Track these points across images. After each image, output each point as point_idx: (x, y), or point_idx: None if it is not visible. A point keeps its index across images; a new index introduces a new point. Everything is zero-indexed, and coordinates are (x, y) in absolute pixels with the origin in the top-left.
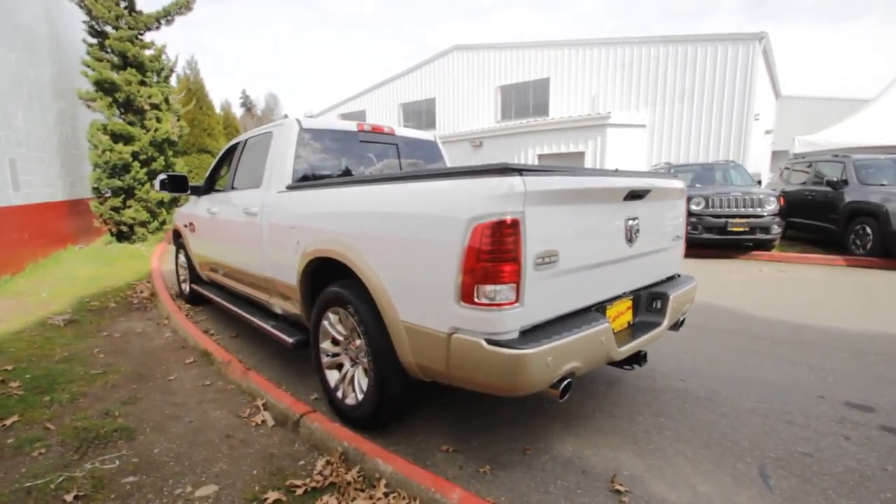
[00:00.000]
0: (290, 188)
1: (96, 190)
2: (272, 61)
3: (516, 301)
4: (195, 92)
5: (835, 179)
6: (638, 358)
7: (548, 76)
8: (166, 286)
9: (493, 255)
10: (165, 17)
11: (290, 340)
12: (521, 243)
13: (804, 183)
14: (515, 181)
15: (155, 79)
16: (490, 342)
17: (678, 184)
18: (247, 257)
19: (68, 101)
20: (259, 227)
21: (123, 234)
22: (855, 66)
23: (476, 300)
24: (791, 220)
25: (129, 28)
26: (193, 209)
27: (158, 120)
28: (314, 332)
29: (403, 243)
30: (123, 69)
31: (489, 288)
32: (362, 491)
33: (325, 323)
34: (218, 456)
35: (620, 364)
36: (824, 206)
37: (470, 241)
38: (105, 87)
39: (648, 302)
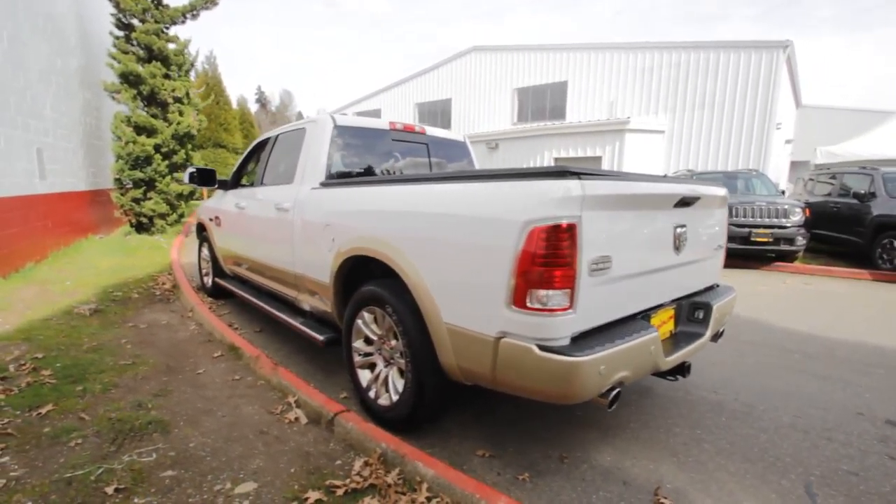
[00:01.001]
0: (324, 185)
1: (118, 181)
2: (287, 58)
3: (570, 307)
4: (213, 87)
5: (862, 192)
6: (682, 369)
7: (566, 79)
8: (188, 279)
9: (549, 259)
10: (191, 11)
11: (321, 338)
12: (577, 248)
13: (829, 194)
14: (573, 185)
15: (177, 73)
16: (542, 348)
17: (722, 192)
18: (276, 253)
19: (93, 92)
20: (290, 224)
21: (143, 226)
22: (878, 77)
23: (528, 305)
24: (814, 232)
25: (156, 21)
26: (219, 203)
27: (181, 113)
28: (347, 331)
29: (451, 244)
30: (148, 62)
31: (543, 293)
32: (403, 494)
33: (359, 322)
34: (254, 452)
35: (664, 374)
36: (850, 219)
37: (525, 245)
38: (130, 80)
39: (690, 311)
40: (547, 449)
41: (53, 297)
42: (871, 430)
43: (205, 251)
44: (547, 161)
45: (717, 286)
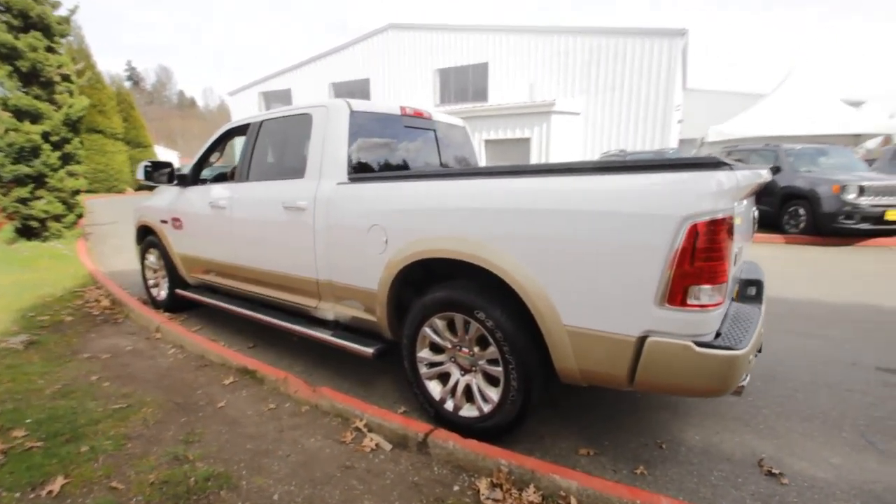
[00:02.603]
0: (355, 180)
1: None
2: (160, 32)
3: (722, 301)
4: (85, 62)
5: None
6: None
7: (487, 61)
8: (127, 291)
9: (709, 254)
10: None
11: (370, 350)
12: (731, 241)
13: None
14: (728, 176)
15: (62, 46)
16: (699, 344)
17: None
18: (286, 259)
19: None
20: (309, 225)
21: (32, 231)
22: (751, 59)
23: (687, 302)
24: None
25: None
26: (177, 202)
27: (71, 94)
28: (410, 341)
29: (578, 243)
30: (25, 32)
31: (702, 289)
32: None
33: (428, 330)
34: (356, 493)
35: None
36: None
37: (684, 241)
38: (2, 54)
39: (743, 289)
40: (638, 437)
41: None
42: (872, 378)
43: (151, 259)
44: (478, 143)
45: (750, 262)
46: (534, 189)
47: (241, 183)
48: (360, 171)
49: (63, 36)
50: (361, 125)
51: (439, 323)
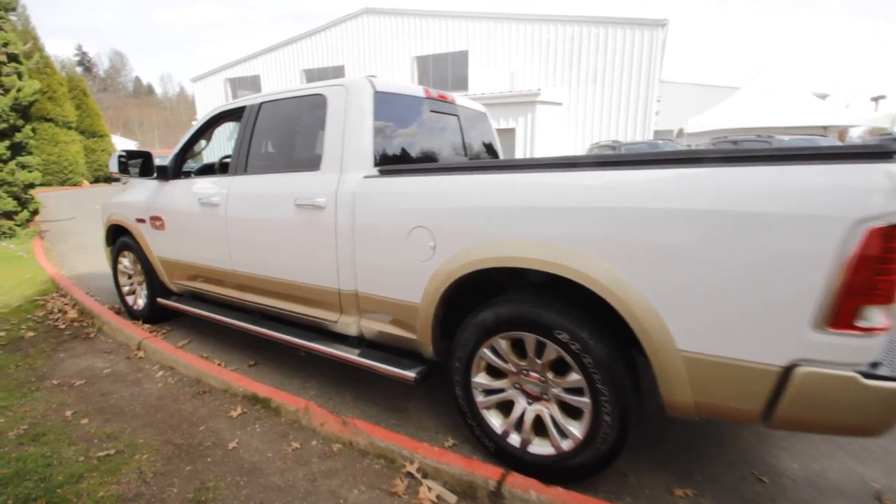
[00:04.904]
0: (392, 172)
1: None
2: (111, 13)
3: (891, 324)
4: (31, 44)
5: None
6: None
7: (467, 49)
8: (96, 299)
9: (887, 266)
10: None
11: (412, 375)
12: None
13: None
14: None
15: (5, 21)
16: (866, 375)
17: None
18: (296, 264)
19: None
20: (329, 226)
21: None
22: (721, 53)
23: (854, 323)
24: None
25: None
26: (157, 198)
27: (20, 76)
28: (464, 364)
29: (708, 252)
30: None
31: (873, 308)
32: None
33: (487, 352)
34: None
35: None
36: None
37: (861, 249)
38: None
39: None
40: (732, 470)
41: None
42: None
43: (126, 263)
44: None
45: None
46: (645, 184)
47: (238, 177)
48: (386, 162)
49: (8, 10)
50: (386, 108)
51: (503, 343)
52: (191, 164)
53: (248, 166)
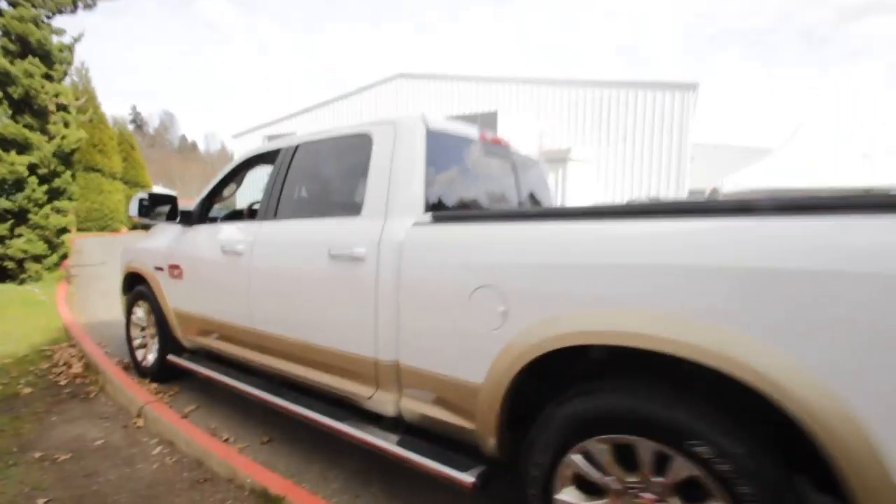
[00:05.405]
0: (449, 218)
1: None
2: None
3: None
4: (89, 101)
5: None
6: None
7: (496, 109)
8: (103, 351)
9: None
10: None
11: (470, 480)
12: None
13: None
14: None
15: (61, 75)
16: None
17: None
18: (327, 326)
19: None
20: (369, 281)
21: (8, 272)
22: (752, 114)
23: None
24: None
25: (34, 6)
26: (178, 244)
27: (66, 125)
28: (545, 473)
29: None
30: (23, 58)
31: None
32: None
33: (578, 459)
34: None
35: None
36: None
37: None
38: None
39: None
40: None
41: None
42: None
43: (140, 314)
44: None
45: None
46: (843, 234)
47: (266, 222)
48: (438, 208)
49: (64, 64)
50: (438, 149)
51: (602, 449)
52: (219, 211)
53: (277, 211)
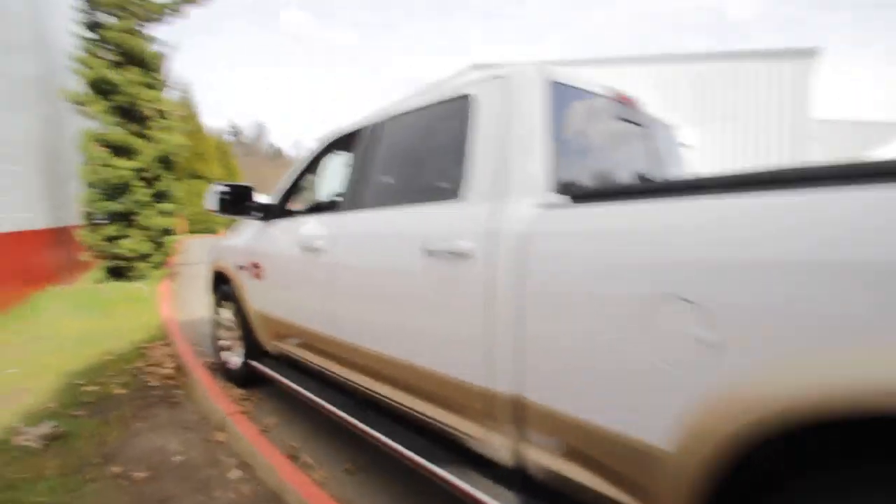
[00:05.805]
0: (601, 196)
1: (88, 215)
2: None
3: None
4: (189, 113)
5: None
6: None
7: None
8: (195, 351)
9: None
10: (173, 5)
11: None
12: None
13: None
14: None
15: (159, 82)
16: None
17: None
18: (423, 341)
19: (51, 103)
20: (480, 284)
21: (118, 270)
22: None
23: None
24: None
25: (135, 17)
26: (258, 241)
27: (167, 130)
28: None
29: None
30: (123, 66)
31: None
32: None
33: None
34: None
35: None
36: None
37: None
38: (102, 89)
39: None
40: None
41: None
42: None
43: (225, 314)
44: None
45: None
46: None
47: (347, 213)
48: (568, 187)
49: (160, 72)
50: (564, 108)
51: None
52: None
53: (359, 200)
